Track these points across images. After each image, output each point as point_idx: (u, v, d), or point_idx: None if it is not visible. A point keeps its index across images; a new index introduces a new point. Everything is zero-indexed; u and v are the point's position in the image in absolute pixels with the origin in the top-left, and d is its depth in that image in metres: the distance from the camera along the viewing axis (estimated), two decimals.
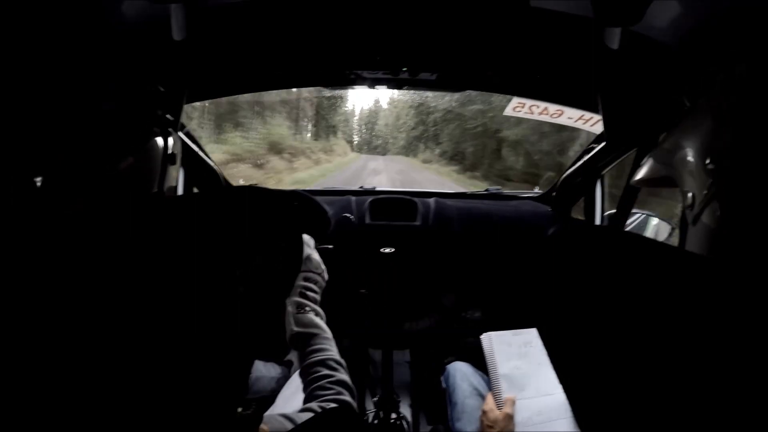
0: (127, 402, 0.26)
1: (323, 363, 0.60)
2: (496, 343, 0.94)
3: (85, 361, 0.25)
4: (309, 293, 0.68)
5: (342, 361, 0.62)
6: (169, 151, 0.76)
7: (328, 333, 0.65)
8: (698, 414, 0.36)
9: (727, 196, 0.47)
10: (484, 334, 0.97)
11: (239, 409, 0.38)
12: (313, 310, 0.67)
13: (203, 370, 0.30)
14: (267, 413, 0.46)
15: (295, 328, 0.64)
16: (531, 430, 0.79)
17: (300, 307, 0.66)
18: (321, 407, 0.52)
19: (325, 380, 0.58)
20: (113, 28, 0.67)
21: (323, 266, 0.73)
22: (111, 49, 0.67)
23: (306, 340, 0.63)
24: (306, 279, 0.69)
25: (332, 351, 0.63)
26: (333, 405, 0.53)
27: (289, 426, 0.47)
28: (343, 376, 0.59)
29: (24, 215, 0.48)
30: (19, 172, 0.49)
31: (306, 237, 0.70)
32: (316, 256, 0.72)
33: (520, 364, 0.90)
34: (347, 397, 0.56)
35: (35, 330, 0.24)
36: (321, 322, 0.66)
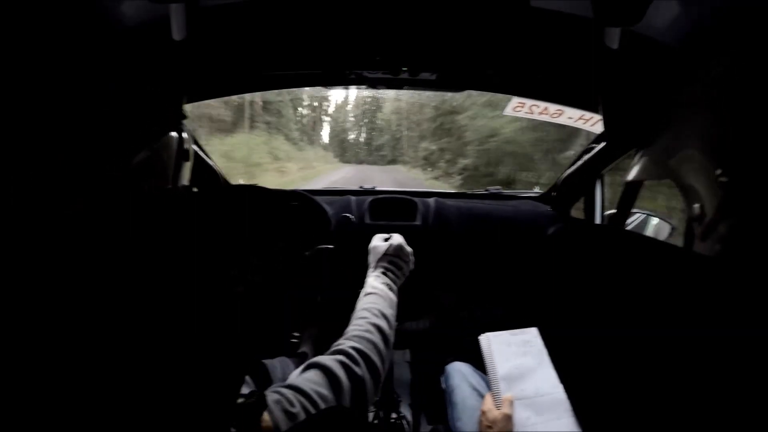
0: (123, 400, 0.26)
1: (369, 309, 0.66)
2: (494, 343, 0.94)
3: (82, 359, 0.25)
4: (389, 273, 0.76)
5: (390, 317, 0.67)
6: (184, 147, 0.77)
7: (393, 298, 0.72)
8: (698, 412, 0.36)
9: (744, 214, 0.45)
10: (483, 335, 0.97)
11: (242, 399, 0.39)
12: (388, 284, 0.74)
13: (199, 369, 0.30)
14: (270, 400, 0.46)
15: (366, 289, 0.72)
16: (530, 430, 0.79)
17: (377, 278, 0.75)
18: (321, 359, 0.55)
19: (364, 319, 0.64)
20: (113, 28, 0.67)
21: (412, 257, 0.83)
22: (111, 49, 0.67)
23: (366, 297, 0.70)
24: (390, 262, 0.79)
25: (384, 306, 0.68)
26: (354, 343, 0.58)
27: (288, 394, 0.47)
28: (382, 322, 0.64)
29: (24, 215, 0.48)
30: (19, 172, 0.49)
31: (398, 235, 0.84)
32: (407, 247, 0.83)
33: (519, 363, 0.90)
34: (376, 338, 0.60)
35: (34, 329, 0.24)
36: (389, 292, 0.72)
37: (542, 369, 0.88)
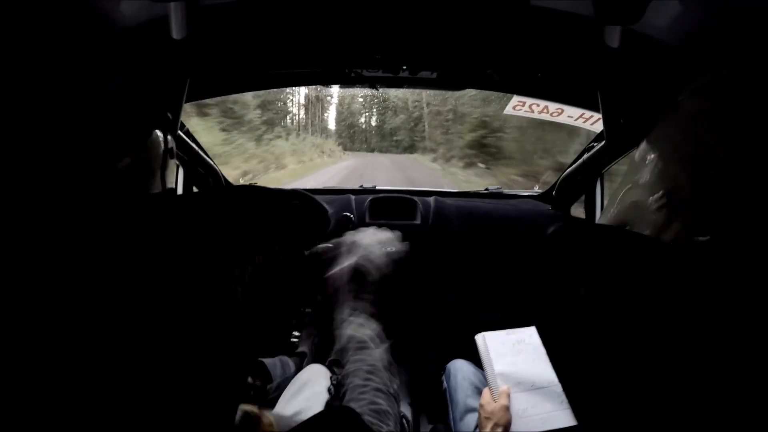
0: (123, 399, 0.26)
1: (357, 373, 0.61)
2: (490, 342, 0.95)
3: (84, 358, 0.25)
4: (361, 295, 0.68)
5: (379, 367, 0.62)
6: (168, 146, 0.76)
7: (370, 342, 0.65)
8: (694, 409, 0.36)
9: (744, 214, 0.46)
10: (478, 334, 0.98)
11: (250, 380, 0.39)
12: (358, 321, 0.67)
13: (199, 369, 0.30)
14: (276, 412, 0.46)
15: (339, 345, 0.66)
16: (527, 423, 0.80)
17: (343, 321, 0.67)
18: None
19: (359, 389, 0.59)
20: (113, 28, 0.67)
21: (380, 250, 0.71)
22: (110, 49, 0.67)
23: (348, 352, 0.65)
24: (356, 299, 0.68)
25: (370, 359, 0.63)
26: (367, 416, 0.54)
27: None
28: (377, 383, 0.60)
29: (24, 216, 0.48)
30: (19, 172, 0.49)
31: (370, 233, 0.72)
32: (367, 239, 0.70)
33: (515, 360, 0.91)
34: (382, 402, 0.57)
35: (36, 328, 0.24)
36: (364, 333, 0.66)
37: (538, 365, 0.89)
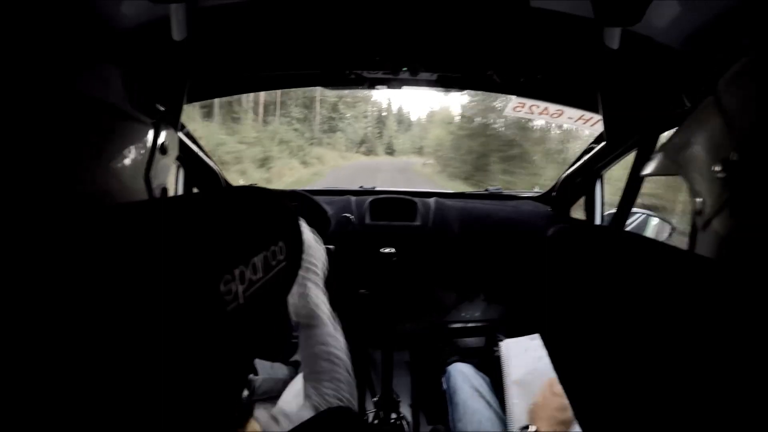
0: (120, 401, 0.25)
1: (322, 356, 0.60)
2: (513, 349, 0.94)
3: (80, 363, 0.25)
4: (310, 278, 0.68)
5: (341, 354, 0.62)
6: (160, 143, 0.75)
7: (329, 322, 0.65)
8: (701, 417, 0.36)
9: (738, 206, 0.46)
10: (503, 341, 0.96)
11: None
12: (311, 298, 0.66)
13: (199, 371, 0.30)
14: (258, 410, 0.46)
15: (294, 319, 0.65)
16: None
17: (301, 297, 0.66)
18: (318, 405, 0.53)
19: (323, 375, 0.58)
20: (113, 29, 0.68)
21: (322, 252, 0.74)
22: (111, 49, 0.67)
23: (307, 330, 0.63)
24: (306, 265, 0.69)
25: (332, 344, 0.62)
26: (331, 402, 0.54)
27: (284, 424, 0.47)
28: (341, 371, 0.59)
29: (22, 216, 0.48)
30: (16, 173, 0.49)
31: (303, 225, 0.71)
32: (313, 242, 0.73)
33: (534, 368, 0.89)
34: (345, 394, 0.57)
35: (32, 330, 0.24)
36: (321, 311, 0.65)
37: None
